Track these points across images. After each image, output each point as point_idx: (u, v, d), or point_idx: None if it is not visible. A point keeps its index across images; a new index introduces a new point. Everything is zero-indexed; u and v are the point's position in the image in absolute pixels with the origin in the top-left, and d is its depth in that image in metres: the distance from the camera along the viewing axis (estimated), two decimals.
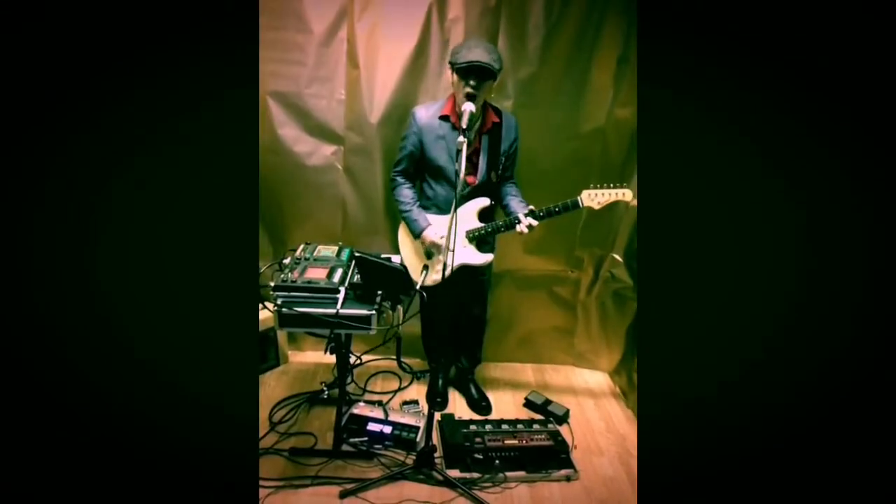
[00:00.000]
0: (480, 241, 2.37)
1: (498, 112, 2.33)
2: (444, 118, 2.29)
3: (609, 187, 2.19)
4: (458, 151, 1.89)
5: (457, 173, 1.94)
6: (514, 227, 2.25)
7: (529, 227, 2.21)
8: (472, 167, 2.32)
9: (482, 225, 2.33)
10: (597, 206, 2.21)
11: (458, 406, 2.69)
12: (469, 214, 2.33)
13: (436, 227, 2.34)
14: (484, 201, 2.33)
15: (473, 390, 2.71)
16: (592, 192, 2.20)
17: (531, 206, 2.26)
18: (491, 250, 2.43)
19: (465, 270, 2.35)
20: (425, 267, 2.34)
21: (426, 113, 2.32)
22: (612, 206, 2.65)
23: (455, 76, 2.16)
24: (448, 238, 1.92)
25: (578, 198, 2.20)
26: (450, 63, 2.19)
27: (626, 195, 2.20)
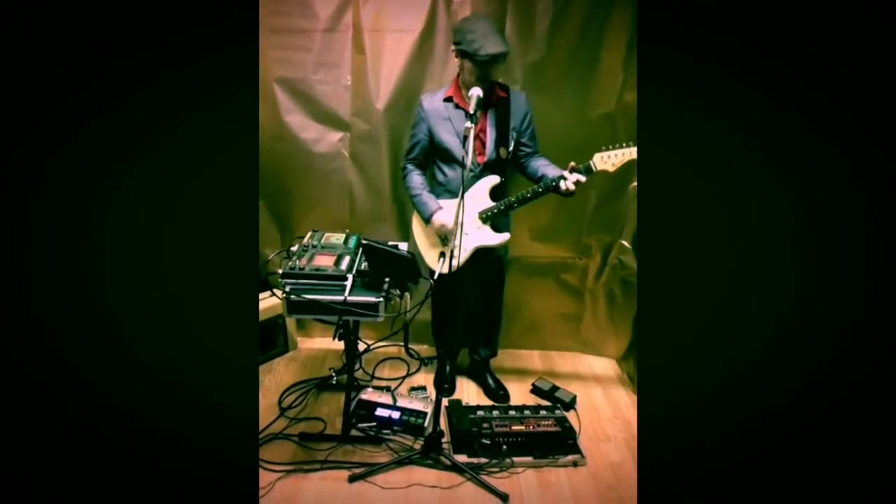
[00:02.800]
0: (495, 221, 2.30)
1: (505, 88, 2.29)
2: (447, 100, 2.27)
3: (620, 147, 2.07)
4: (465, 137, 1.87)
5: (463, 159, 1.92)
6: (547, 193, 2.16)
7: (577, 182, 2.09)
8: (479, 145, 2.27)
9: (494, 204, 2.26)
10: (612, 169, 2.09)
11: (466, 392, 2.70)
12: (480, 194, 2.27)
13: (446, 210, 2.29)
14: (494, 179, 2.26)
15: (490, 380, 2.71)
16: (605, 154, 2.07)
17: (573, 163, 2.12)
18: (507, 230, 2.35)
19: (482, 253, 2.30)
20: (442, 254, 2.29)
21: (431, 99, 2.31)
22: (620, 194, 2.68)
23: (466, 62, 2.11)
24: (457, 222, 1.91)
25: (591, 162, 2.09)
26: (460, 50, 2.10)
27: (635, 153, 2.07)
